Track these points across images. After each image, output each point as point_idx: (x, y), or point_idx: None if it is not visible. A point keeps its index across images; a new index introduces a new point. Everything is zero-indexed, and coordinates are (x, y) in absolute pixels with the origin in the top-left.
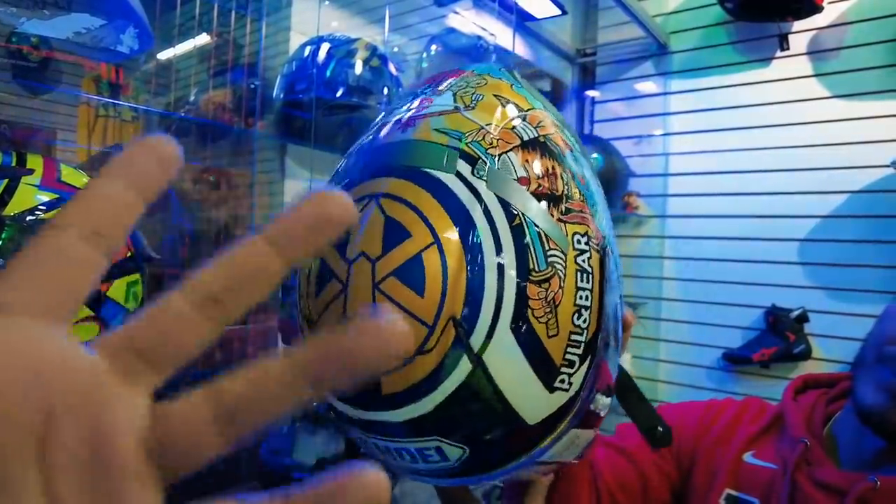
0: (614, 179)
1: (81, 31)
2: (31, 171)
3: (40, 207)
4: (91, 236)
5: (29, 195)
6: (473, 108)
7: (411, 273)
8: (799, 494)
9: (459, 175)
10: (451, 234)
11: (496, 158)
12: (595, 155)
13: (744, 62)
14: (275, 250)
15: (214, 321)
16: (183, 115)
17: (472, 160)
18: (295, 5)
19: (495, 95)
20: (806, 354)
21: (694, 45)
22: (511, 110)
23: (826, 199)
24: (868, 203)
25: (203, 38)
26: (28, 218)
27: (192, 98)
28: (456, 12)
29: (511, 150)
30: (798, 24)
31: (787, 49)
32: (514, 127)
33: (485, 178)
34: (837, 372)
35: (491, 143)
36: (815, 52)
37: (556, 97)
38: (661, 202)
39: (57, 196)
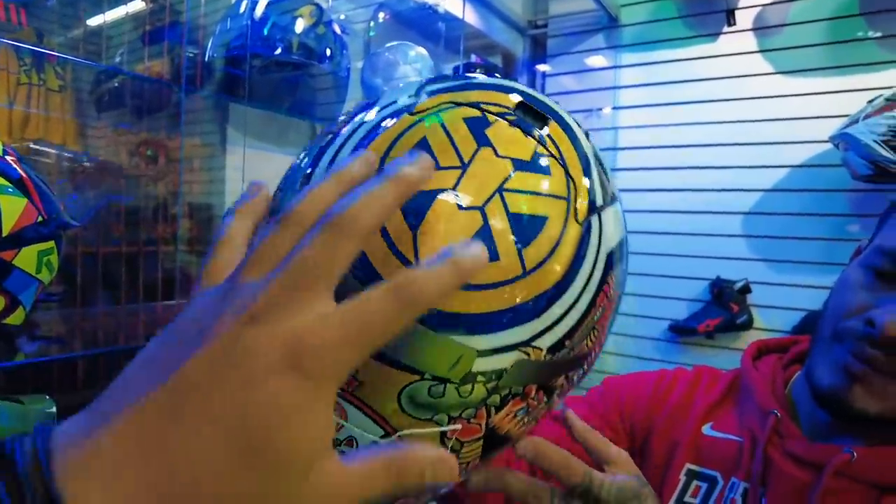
0: None
1: None
2: None
3: None
4: None
5: None
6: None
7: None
8: (772, 468)
9: None
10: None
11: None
12: None
13: (692, 37)
14: None
15: None
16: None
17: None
18: None
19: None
20: (748, 324)
21: (644, 19)
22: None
23: (768, 174)
24: (808, 177)
25: (137, 4)
26: None
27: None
28: None
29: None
30: (744, 0)
31: (734, 24)
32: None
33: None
34: (787, 336)
35: None
36: (760, 29)
37: (507, 70)
38: (610, 176)
39: None
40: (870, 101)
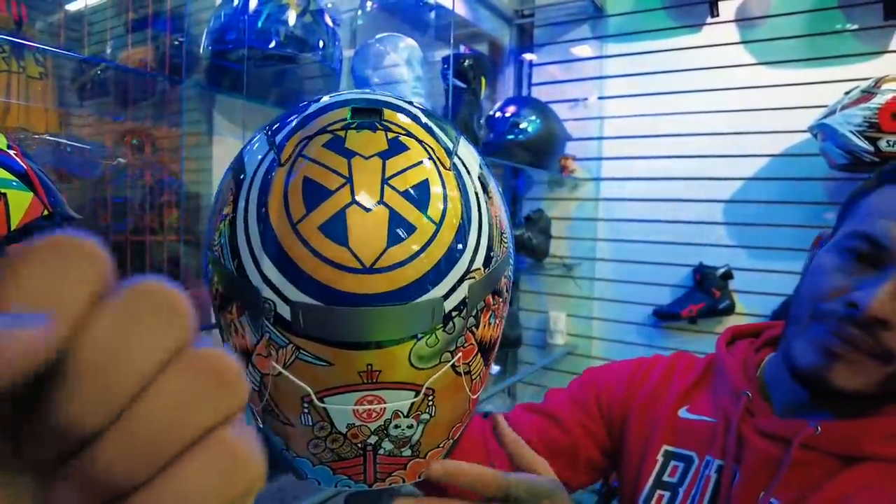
0: (552, 142)
1: None
2: None
3: None
4: None
5: None
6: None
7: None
8: (744, 445)
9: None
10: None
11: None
12: (533, 118)
13: (676, 27)
14: None
15: None
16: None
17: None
18: None
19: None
20: (730, 310)
21: (629, 9)
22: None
23: (749, 162)
24: (787, 166)
25: None
26: None
27: (108, 53)
28: None
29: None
30: None
31: (717, 16)
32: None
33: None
34: (760, 322)
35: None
36: (742, 20)
37: (494, 60)
38: (596, 165)
39: None
40: (847, 93)
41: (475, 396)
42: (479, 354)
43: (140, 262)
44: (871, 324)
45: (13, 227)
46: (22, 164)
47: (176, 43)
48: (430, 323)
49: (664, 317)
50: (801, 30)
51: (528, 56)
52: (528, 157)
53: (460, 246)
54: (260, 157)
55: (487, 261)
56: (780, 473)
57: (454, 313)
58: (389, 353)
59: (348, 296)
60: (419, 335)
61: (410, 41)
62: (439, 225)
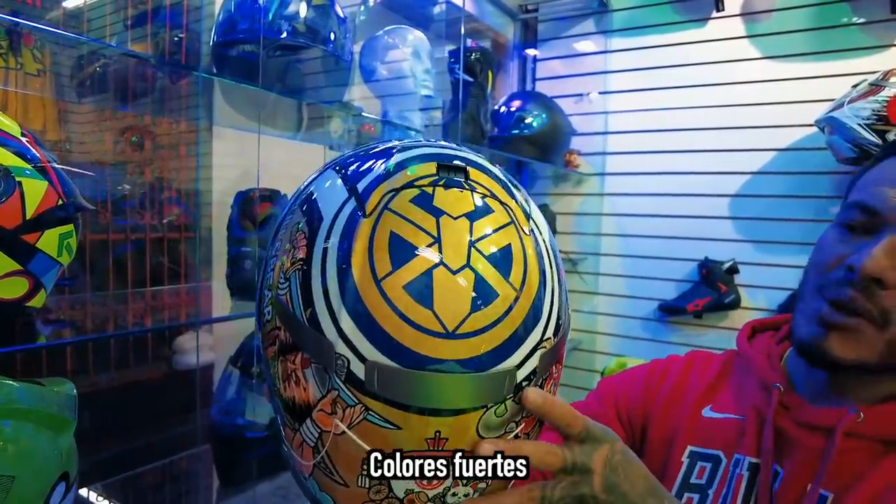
0: (557, 137)
1: None
2: None
3: None
4: None
5: None
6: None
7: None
8: (784, 439)
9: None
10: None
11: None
12: (539, 112)
13: (681, 22)
14: None
15: None
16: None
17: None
18: None
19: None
20: (736, 304)
21: (634, 4)
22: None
23: (755, 157)
24: (794, 160)
25: None
26: None
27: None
28: None
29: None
30: None
31: (723, 10)
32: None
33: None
34: (779, 315)
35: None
36: (747, 14)
37: (497, 54)
38: (601, 160)
39: None
40: (854, 86)
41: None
42: (538, 424)
43: (140, 258)
44: (867, 283)
45: (28, 217)
46: (36, 152)
47: (176, 39)
48: (503, 393)
49: (670, 311)
50: (807, 23)
51: (531, 51)
52: (533, 151)
53: (536, 314)
54: (339, 203)
55: (557, 329)
56: (826, 463)
57: (525, 383)
58: (459, 421)
59: (426, 359)
60: (490, 405)
61: (419, 33)
62: (519, 292)
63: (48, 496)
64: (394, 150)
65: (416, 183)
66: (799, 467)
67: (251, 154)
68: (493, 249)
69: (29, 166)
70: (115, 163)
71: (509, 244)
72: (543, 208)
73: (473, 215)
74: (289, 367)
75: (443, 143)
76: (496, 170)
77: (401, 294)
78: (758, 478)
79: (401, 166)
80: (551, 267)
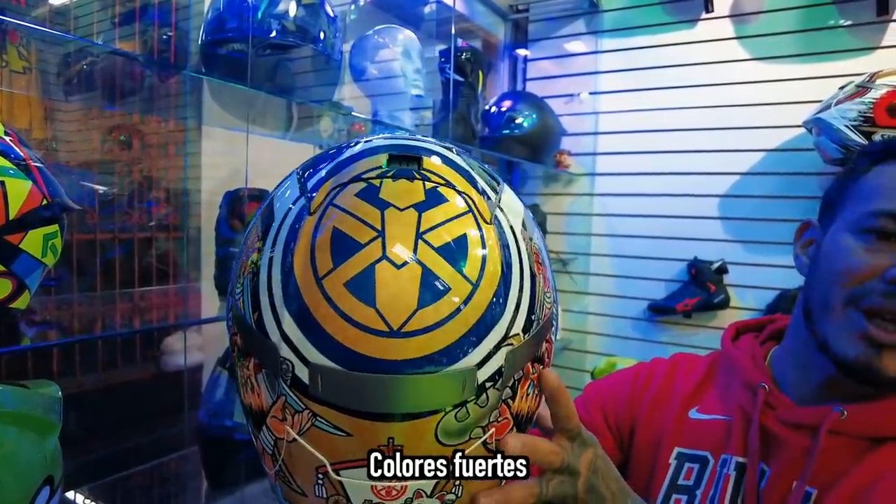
0: (548, 137)
1: None
2: None
3: None
4: None
5: None
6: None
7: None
8: (769, 438)
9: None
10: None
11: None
12: (529, 113)
13: (671, 23)
14: None
15: None
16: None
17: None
18: None
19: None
20: (725, 304)
21: (624, 5)
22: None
23: (744, 157)
24: (782, 161)
25: None
26: None
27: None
28: None
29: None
30: None
31: (712, 11)
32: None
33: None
34: (762, 317)
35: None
36: (736, 15)
37: (488, 55)
38: (591, 160)
39: None
40: (841, 88)
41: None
42: (515, 430)
43: (129, 258)
44: None
45: (12, 217)
46: (20, 151)
47: (164, 37)
48: (460, 395)
49: (659, 311)
50: (795, 25)
51: (522, 52)
52: (523, 151)
53: (498, 309)
54: (290, 203)
55: (528, 325)
56: (811, 461)
57: (488, 384)
58: (414, 426)
59: (372, 361)
60: (447, 408)
61: (409, 33)
62: (476, 285)
63: (32, 500)
64: (348, 146)
65: (364, 176)
66: (785, 465)
67: (240, 153)
68: (445, 240)
69: (12, 165)
70: (103, 162)
71: (464, 234)
72: (534, 208)
73: (423, 206)
74: (245, 373)
75: (401, 134)
76: (458, 158)
77: (342, 292)
78: (745, 477)
79: (350, 160)
80: (520, 257)
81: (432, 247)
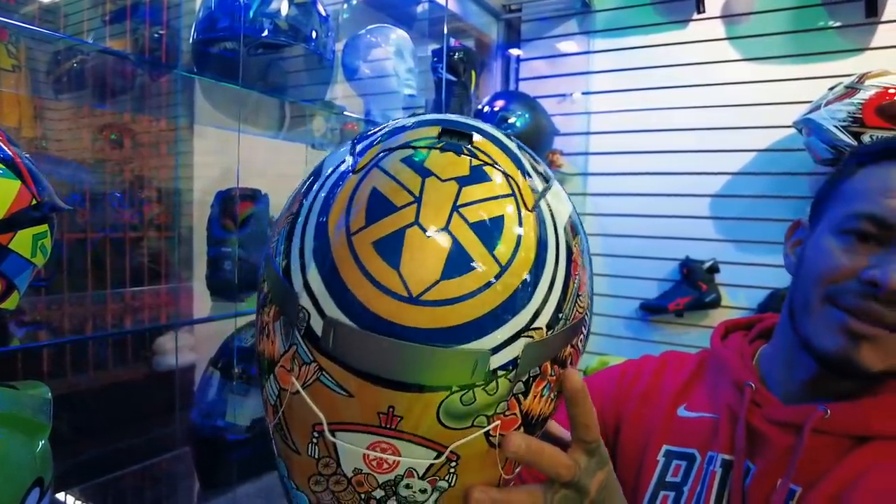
0: (540, 137)
1: None
2: None
3: None
4: None
5: None
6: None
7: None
8: (755, 436)
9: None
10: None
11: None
12: (521, 112)
13: (663, 23)
14: None
15: None
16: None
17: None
18: None
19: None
20: (716, 303)
21: (616, 5)
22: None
23: (735, 157)
24: (772, 161)
25: None
26: None
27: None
28: None
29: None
30: None
31: (703, 11)
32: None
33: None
34: (751, 316)
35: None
36: (727, 16)
37: (480, 54)
38: (583, 160)
39: None
40: (831, 89)
41: (508, 477)
42: (523, 429)
43: (120, 257)
44: (893, 298)
45: (0, 217)
46: (8, 150)
47: (156, 36)
48: (469, 376)
49: (651, 310)
50: (785, 26)
51: (514, 51)
52: None
53: (524, 297)
54: (338, 162)
55: (554, 321)
56: (795, 459)
57: (501, 372)
58: (416, 399)
59: (386, 323)
60: (454, 387)
61: (401, 32)
62: (504, 267)
63: (21, 502)
64: (406, 119)
65: (413, 144)
66: (770, 463)
67: (232, 153)
68: (481, 217)
69: (1, 165)
70: (94, 161)
71: (502, 216)
72: None
73: (465, 180)
74: (264, 320)
75: (465, 118)
76: (512, 143)
77: (369, 250)
78: (731, 474)
79: (403, 129)
80: (557, 251)
81: (467, 221)
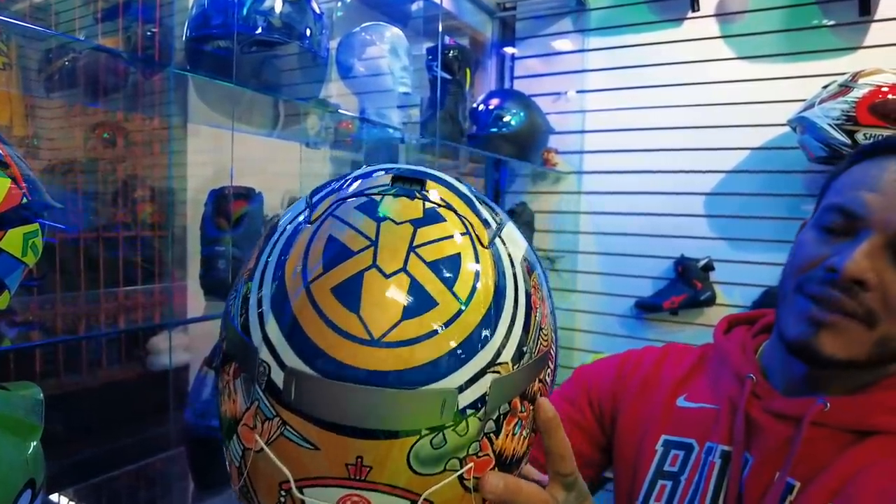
0: (536, 135)
1: None
2: None
3: None
4: None
5: None
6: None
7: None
8: (754, 428)
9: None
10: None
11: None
12: (517, 111)
13: (657, 21)
14: None
15: None
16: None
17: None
18: None
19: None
20: (711, 301)
21: (611, 3)
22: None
23: (729, 155)
24: (766, 159)
25: None
26: None
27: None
28: None
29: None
30: None
31: (698, 10)
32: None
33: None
34: (755, 310)
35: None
36: (721, 15)
37: (475, 52)
38: (578, 158)
39: None
40: (825, 87)
41: None
42: (497, 467)
43: (113, 257)
44: (850, 285)
45: None
46: None
47: (149, 33)
48: (438, 417)
49: (646, 308)
50: (779, 25)
51: (509, 50)
52: (511, 149)
53: (486, 333)
54: (294, 215)
55: (519, 356)
56: (793, 452)
57: (469, 411)
58: (384, 446)
59: (349, 369)
60: (423, 431)
61: (396, 30)
62: (465, 303)
63: None
64: (359, 171)
65: (366, 192)
66: (768, 455)
67: (226, 151)
68: (438, 256)
69: None
70: (87, 160)
71: (458, 253)
72: (522, 206)
73: (420, 222)
74: (224, 379)
75: (415, 166)
76: (463, 187)
77: (327, 296)
78: (729, 465)
79: (356, 179)
80: (516, 286)
81: (424, 261)
